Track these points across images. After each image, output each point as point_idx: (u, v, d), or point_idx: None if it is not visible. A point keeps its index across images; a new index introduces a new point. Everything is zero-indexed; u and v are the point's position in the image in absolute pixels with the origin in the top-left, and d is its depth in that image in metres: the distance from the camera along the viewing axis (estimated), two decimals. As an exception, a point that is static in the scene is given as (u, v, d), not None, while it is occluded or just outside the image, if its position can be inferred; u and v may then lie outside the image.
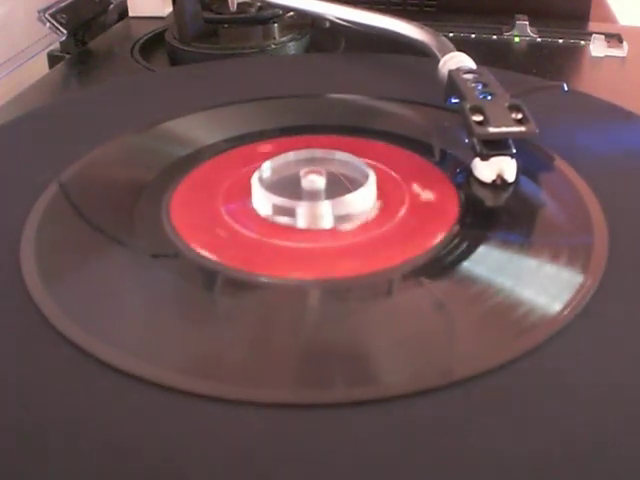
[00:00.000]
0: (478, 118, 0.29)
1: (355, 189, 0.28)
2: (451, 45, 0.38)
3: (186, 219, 0.28)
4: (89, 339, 0.22)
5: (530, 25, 0.52)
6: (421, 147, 0.32)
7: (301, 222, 0.27)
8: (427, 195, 0.29)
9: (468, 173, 0.30)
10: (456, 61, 0.35)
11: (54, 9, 0.49)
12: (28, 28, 0.51)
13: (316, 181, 0.28)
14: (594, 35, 0.50)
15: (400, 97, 0.37)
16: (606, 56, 0.49)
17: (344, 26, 0.44)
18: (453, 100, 0.32)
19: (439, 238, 0.26)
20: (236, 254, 0.26)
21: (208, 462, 0.19)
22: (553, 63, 0.48)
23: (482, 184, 0.29)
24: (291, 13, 0.50)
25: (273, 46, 0.48)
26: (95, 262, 0.26)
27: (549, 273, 0.25)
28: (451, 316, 0.24)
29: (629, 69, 0.47)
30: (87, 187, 0.30)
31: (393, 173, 0.30)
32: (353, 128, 0.34)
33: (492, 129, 0.29)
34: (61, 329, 0.22)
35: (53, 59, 0.50)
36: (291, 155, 0.30)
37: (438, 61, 0.36)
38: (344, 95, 0.37)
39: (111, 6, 0.55)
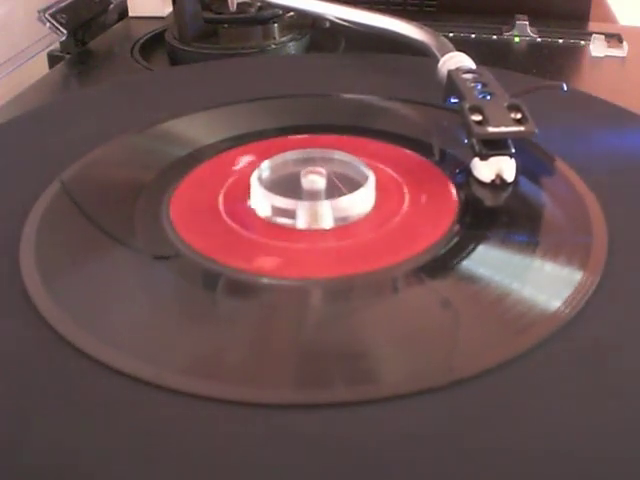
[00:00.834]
0: (477, 118, 0.29)
1: (354, 189, 0.28)
2: (451, 45, 0.38)
3: (186, 219, 0.28)
4: (88, 339, 0.22)
5: (530, 25, 0.52)
6: (421, 147, 0.32)
7: (301, 222, 0.27)
8: (426, 195, 0.29)
9: (468, 173, 0.30)
10: (455, 61, 0.35)
11: (54, 9, 0.49)
12: (28, 28, 0.51)
13: (316, 181, 0.28)
14: (594, 35, 0.50)
15: (400, 97, 0.37)
16: (606, 56, 0.49)
17: (344, 26, 0.44)
18: (452, 100, 0.32)
19: (438, 238, 0.26)
20: (236, 254, 0.26)
21: (208, 462, 0.19)
22: (553, 63, 0.48)
23: (481, 184, 0.29)
24: (291, 13, 0.50)
25: (273, 46, 0.49)
26: (95, 262, 0.26)
27: (548, 272, 0.25)
28: (451, 315, 0.24)
29: (629, 69, 0.47)
30: (87, 187, 0.30)
31: (393, 173, 0.30)
32: (353, 128, 0.34)
33: (491, 129, 0.29)
34: (60, 329, 0.22)
35: (53, 59, 0.50)
36: (291, 155, 0.30)
37: (438, 61, 0.36)
38: (344, 95, 0.37)
39: (111, 6, 0.55)
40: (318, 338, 0.23)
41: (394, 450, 0.19)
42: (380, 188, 0.29)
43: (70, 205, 0.29)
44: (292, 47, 0.49)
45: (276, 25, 0.49)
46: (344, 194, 0.27)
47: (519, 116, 0.29)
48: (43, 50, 0.50)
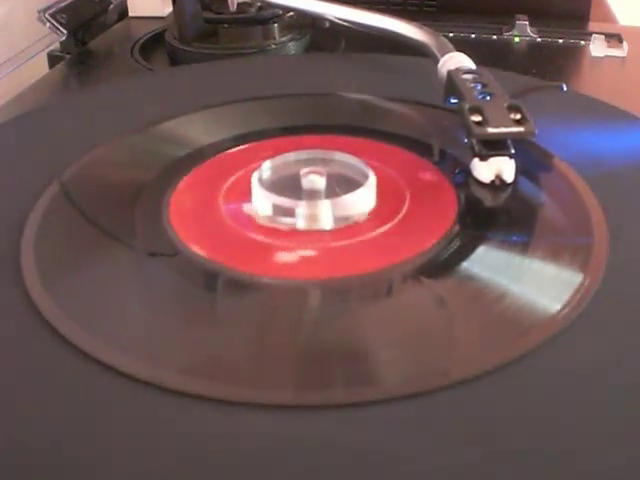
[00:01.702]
0: (477, 118, 0.29)
1: (354, 189, 0.28)
2: (450, 45, 0.38)
3: (186, 219, 0.28)
4: (88, 339, 0.22)
5: (530, 25, 0.52)
6: (421, 147, 0.32)
7: (301, 222, 0.27)
8: (426, 195, 0.29)
9: (467, 173, 0.30)
10: (455, 61, 0.35)
11: (54, 9, 0.49)
12: (28, 28, 0.51)
13: (316, 181, 0.28)
14: (594, 35, 0.50)
15: (400, 97, 0.37)
16: (606, 56, 0.49)
17: (344, 26, 0.44)
18: (452, 100, 0.32)
19: (438, 238, 0.26)
20: (236, 254, 0.26)
21: (208, 463, 0.19)
22: (553, 63, 0.48)
23: (481, 184, 0.29)
24: (291, 13, 0.50)
25: (273, 46, 0.49)
26: (95, 262, 0.26)
27: (549, 273, 0.25)
28: (451, 316, 0.24)
29: (629, 69, 0.47)
30: (87, 187, 0.30)
31: (393, 173, 0.30)
32: (353, 128, 0.34)
33: (491, 129, 0.29)
34: (60, 329, 0.22)
35: (53, 59, 0.50)
36: (291, 155, 0.30)
37: (437, 61, 0.36)
38: (344, 95, 0.37)
39: (111, 6, 0.55)
40: (317, 339, 0.23)
41: (394, 450, 0.19)
42: (380, 188, 0.29)
43: (70, 205, 0.29)
44: (292, 47, 0.49)
45: (276, 25, 0.49)
46: (348, 191, 0.27)
47: (519, 117, 0.29)
48: (43, 50, 0.50)
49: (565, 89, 0.34)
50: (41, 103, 0.43)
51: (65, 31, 0.49)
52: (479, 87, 0.32)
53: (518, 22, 0.52)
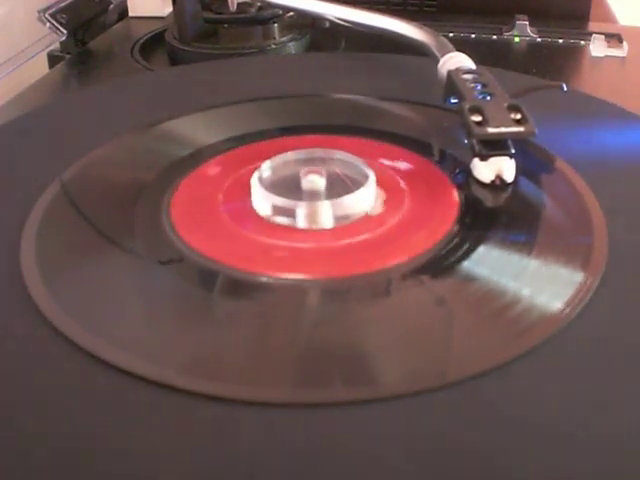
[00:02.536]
0: (477, 118, 0.29)
1: (355, 189, 0.28)
2: (450, 45, 0.38)
3: (186, 219, 0.28)
4: (89, 339, 0.22)
5: (530, 25, 0.52)
6: (421, 147, 0.32)
7: (301, 222, 0.27)
8: (426, 195, 0.29)
9: (468, 173, 0.30)
10: (455, 61, 0.35)
11: (54, 9, 0.49)
12: (28, 28, 0.51)
13: (316, 181, 0.28)
14: (594, 35, 0.50)
15: (400, 97, 0.37)
16: (606, 56, 0.49)
17: (344, 26, 0.44)
18: (452, 100, 0.32)
19: (438, 238, 0.26)
20: (236, 254, 0.26)
21: (208, 462, 0.19)
22: (553, 63, 0.48)
23: (481, 184, 0.29)
24: (291, 13, 0.50)
25: (273, 46, 0.49)
26: (95, 262, 0.26)
27: (549, 272, 0.25)
28: (451, 316, 0.24)
29: (629, 69, 0.47)
30: (87, 187, 0.30)
31: (393, 173, 0.30)
32: (353, 128, 0.34)
33: (491, 129, 0.29)
34: (61, 329, 0.22)
35: (53, 59, 0.50)
36: (291, 155, 0.30)
37: (437, 61, 0.36)
38: (344, 95, 0.37)
39: (111, 6, 0.55)
40: (317, 338, 0.23)
41: (393, 451, 0.19)
42: (380, 188, 0.29)
43: (70, 205, 0.29)
44: (292, 47, 0.49)
45: (276, 25, 0.49)
46: (349, 191, 0.27)
47: (519, 116, 0.29)
48: (43, 50, 0.50)
49: (565, 89, 0.34)
50: (41, 103, 0.43)
51: (65, 31, 0.49)
52: (479, 87, 0.32)
53: (518, 22, 0.52)
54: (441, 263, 0.25)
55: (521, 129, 0.29)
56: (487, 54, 0.49)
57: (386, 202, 0.28)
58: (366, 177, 0.28)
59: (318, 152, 0.30)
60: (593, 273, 0.24)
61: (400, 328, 0.23)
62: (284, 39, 0.49)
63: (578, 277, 0.24)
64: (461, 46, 0.38)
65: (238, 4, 0.49)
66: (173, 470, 0.19)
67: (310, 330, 0.24)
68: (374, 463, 0.19)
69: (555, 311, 0.23)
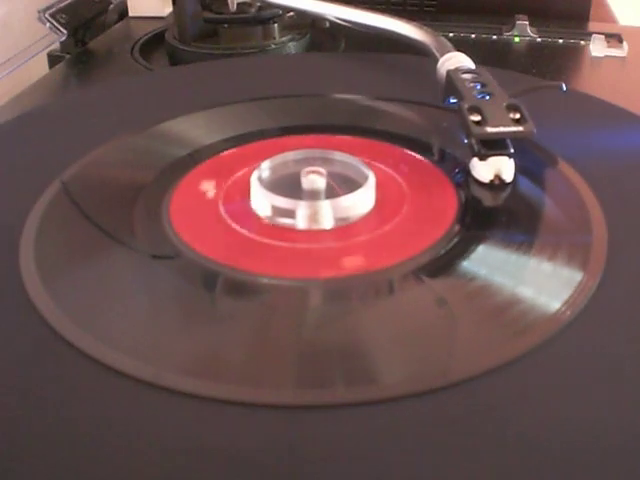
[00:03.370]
0: (476, 118, 0.29)
1: (354, 189, 0.28)
2: (450, 45, 0.38)
3: (186, 219, 0.28)
4: (88, 339, 0.22)
5: (530, 25, 0.52)
6: (420, 147, 0.32)
7: (301, 222, 0.27)
8: (426, 195, 0.29)
9: (467, 173, 0.30)
10: (455, 61, 0.35)
11: (54, 9, 0.49)
12: (28, 28, 0.51)
13: (316, 181, 0.28)
14: (594, 35, 0.50)
15: (399, 97, 0.37)
16: (606, 56, 0.49)
17: (344, 26, 0.44)
18: (452, 100, 0.33)
19: (438, 238, 0.26)
20: (236, 254, 0.26)
21: (208, 462, 0.19)
22: (553, 63, 0.48)
23: (480, 184, 0.29)
24: (291, 13, 0.50)
25: (273, 46, 0.49)
26: (95, 262, 0.26)
27: (549, 272, 0.25)
28: (451, 316, 0.24)
29: (629, 69, 0.47)
30: (87, 187, 0.30)
31: (393, 173, 0.30)
32: (353, 128, 0.34)
33: (490, 129, 0.29)
34: (60, 329, 0.22)
35: (53, 59, 0.51)
36: (291, 155, 0.30)
37: (437, 61, 0.36)
38: (344, 95, 0.37)
39: (111, 6, 0.55)
40: (318, 339, 0.23)
41: (393, 451, 0.19)
42: (380, 188, 0.29)
43: (70, 205, 0.29)
44: (292, 47, 0.49)
45: (276, 25, 0.49)
46: (348, 191, 0.27)
47: (518, 116, 0.29)
48: (43, 50, 0.50)
49: (565, 89, 0.34)
50: (41, 103, 0.43)
51: (65, 31, 0.49)
52: (478, 87, 0.32)
53: (518, 22, 0.52)
54: (441, 263, 0.25)
55: (520, 129, 0.29)
56: (487, 54, 0.49)
57: (385, 202, 0.28)
58: (366, 177, 0.28)
59: (318, 152, 0.30)
60: (592, 273, 0.24)
61: (399, 328, 0.23)
62: (284, 39, 0.49)
63: (577, 276, 0.24)
64: (461, 46, 0.38)
65: (238, 4, 0.49)
66: (172, 470, 0.19)
67: (310, 330, 0.24)
68: (374, 463, 0.19)
69: (555, 311, 0.23)
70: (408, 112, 0.36)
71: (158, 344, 0.23)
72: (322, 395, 0.21)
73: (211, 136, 0.34)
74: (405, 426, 0.19)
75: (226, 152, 0.33)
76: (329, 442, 0.19)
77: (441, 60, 0.36)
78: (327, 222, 0.27)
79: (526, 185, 0.30)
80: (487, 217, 0.28)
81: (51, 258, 0.26)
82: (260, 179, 0.29)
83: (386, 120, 0.35)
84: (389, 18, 0.42)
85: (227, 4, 0.49)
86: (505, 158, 0.29)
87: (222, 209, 0.29)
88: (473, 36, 0.53)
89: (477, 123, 0.29)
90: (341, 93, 0.37)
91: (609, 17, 0.60)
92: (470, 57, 0.36)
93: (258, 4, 0.49)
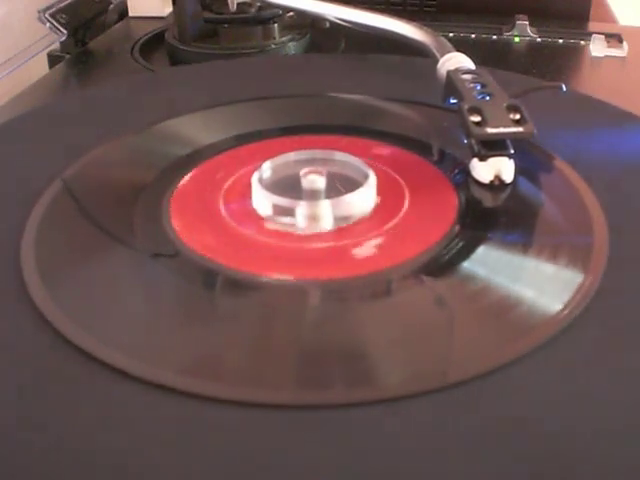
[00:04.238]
0: (476, 119, 0.29)
1: (354, 189, 0.28)
2: (450, 45, 0.38)
3: (186, 219, 0.28)
4: (88, 339, 0.22)
5: (530, 25, 0.52)
6: (420, 147, 0.32)
7: (301, 222, 0.27)
8: (426, 195, 0.29)
9: (467, 173, 0.30)
10: (455, 61, 0.35)
11: (54, 9, 0.49)
12: (28, 28, 0.51)
13: (316, 181, 0.28)
14: (594, 35, 0.50)
15: (399, 97, 0.37)
16: (606, 56, 0.49)
17: (344, 26, 0.44)
18: (451, 100, 0.32)
19: (438, 239, 0.26)
20: (236, 254, 0.26)
21: (208, 462, 0.19)
22: (553, 63, 0.48)
23: (480, 184, 0.29)
24: (291, 13, 0.50)
25: (273, 46, 0.49)
26: (95, 262, 0.26)
27: (549, 273, 0.25)
28: (451, 317, 0.24)
29: (629, 69, 0.47)
30: (87, 187, 0.30)
31: (393, 173, 0.30)
32: (353, 128, 0.34)
33: (490, 130, 0.29)
34: (60, 328, 0.22)
35: (53, 59, 0.51)
36: (291, 155, 0.30)
37: (437, 61, 0.36)
38: (344, 95, 0.37)
39: (111, 6, 0.55)
40: (317, 339, 0.23)
41: (393, 451, 0.19)
42: (380, 188, 0.29)
43: (71, 205, 0.29)
44: (292, 47, 0.49)
45: (276, 25, 0.49)
46: (344, 194, 0.27)
47: (518, 117, 0.29)
48: (43, 50, 0.50)
49: (565, 89, 0.34)
50: (41, 103, 0.43)
51: (65, 31, 0.49)
52: (478, 87, 0.32)
53: (518, 22, 0.52)
54: (441, 263, 0.25)
55: (520, 129, 0.29)
56: (487, 54, 0.49)
57: (385, 202, 0.28)
58: (366, 177, 0.28)
59: (318, 152, 0.30)
60: (593, 274, 0.24)
61: (399, 329, 0.23)
62: (284, 39, 0.49)
63: (578, 277, 0.24)
64: (461, 46, 0.38)
65: (238, 4, 0.49)
66: (172, 470, 0.19)
67: (310, 331, 0.24)
68: (374, 463, 0.19)
69: (555, 312, 0.23)
70: (408, 112, 0.36)
71: (158, 343, 0.23)
72: (322, 395, 0.21)
73: (211, 136, 0.34)
74: (405, 426, 0.19)
75: (226, 152, 0.33)
76: (329, 442, 0.19)
77: (441, 60, 0.36)
78: (327, 222, 0.27)
79: (526, 186, 0.30)
80: (487, 218, 0.28)
81: (52, 257, 0.26)
82: (260, 179, 0.29)
83: (386, 120, 0.35)
84: (389, 18, 0.42)
85: (227, 4, 0.49)
86: (505, 159, 0.29)
87: (222, 209, 0.29)
88: (473, 36, 0.53)
89: (477, 124, 0.29)
90: (341, 93, 0.37)
91: (609, 17, 0.60)
92: (470, 57, 0.36)
93: (258, 4, 0.49)
